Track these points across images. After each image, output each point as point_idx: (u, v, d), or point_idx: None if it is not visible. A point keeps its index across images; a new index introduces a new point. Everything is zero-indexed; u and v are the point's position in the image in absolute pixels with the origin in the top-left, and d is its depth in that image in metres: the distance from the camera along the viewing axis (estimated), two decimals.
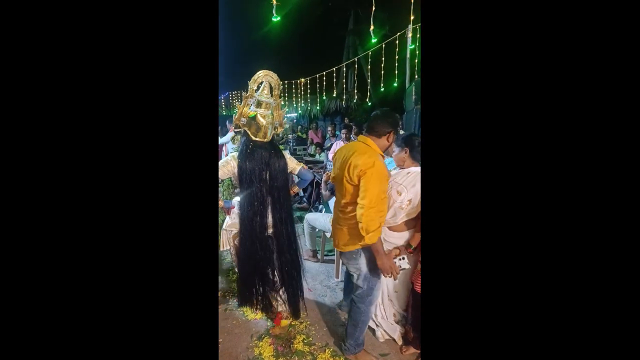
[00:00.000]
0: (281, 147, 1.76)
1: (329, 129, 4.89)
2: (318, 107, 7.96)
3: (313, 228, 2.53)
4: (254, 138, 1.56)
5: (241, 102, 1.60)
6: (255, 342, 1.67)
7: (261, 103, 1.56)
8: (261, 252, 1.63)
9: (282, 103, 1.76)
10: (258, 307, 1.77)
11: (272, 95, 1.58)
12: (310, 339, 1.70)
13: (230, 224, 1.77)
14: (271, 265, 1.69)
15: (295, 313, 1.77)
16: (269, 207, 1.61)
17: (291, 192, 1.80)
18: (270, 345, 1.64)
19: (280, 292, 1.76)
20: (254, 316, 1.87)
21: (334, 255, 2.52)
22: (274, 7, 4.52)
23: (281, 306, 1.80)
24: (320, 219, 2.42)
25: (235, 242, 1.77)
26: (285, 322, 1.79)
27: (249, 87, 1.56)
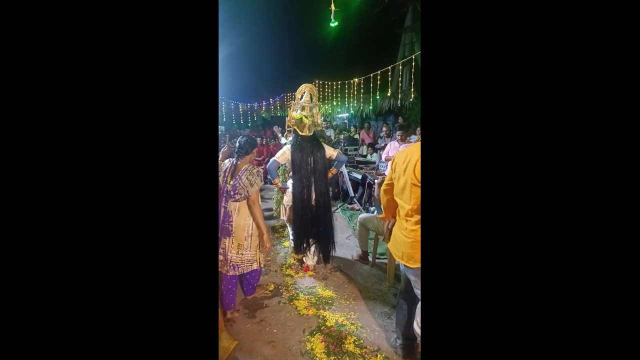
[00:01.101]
0: (320, 140, 2.35)
1: (384, 129, 4.76)
2: (371, 107, 7.83)
3: (365, 229, 2.49)
4: (300, 133, 2.12)
5: (291, 103, 2.22)
6: (307, 337, 1.71)
7: (304, 107, 2.11)
8: (307, 216, 2.17)
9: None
10: (307, 251, 2.35)
11: (311, 101, 2.14)
12: (362, 341, 1.68)
13: (286, 200, 2.36)
14: (312, 225, 2.20)
15: (325, 259, 2.30)
16: (312, 184, 2.14)
17: (330, 173, 2.30)
18: (321, 342, 1.66)
19: (312, 248, 2.34)
20: (307, 312, 1.92)
21: (385, 258, 2.46)
22: (332, 13, 4.53)
23: (310, 260, 2.38)
24: (373, 221, 2.37)
25: (288, 211, 2.36)
26: (310, 273, 2.40)
27: (296, 97, 2.19)
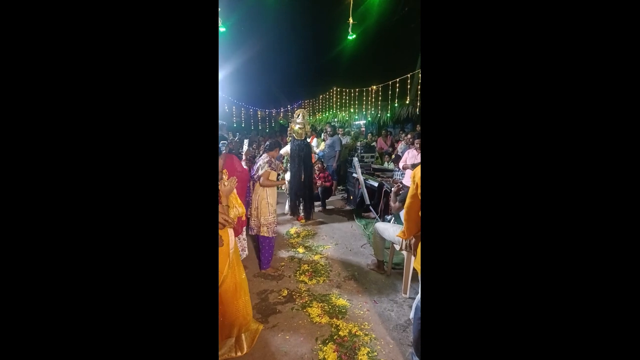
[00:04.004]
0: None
1: (409, 136, 4.76)
2: (389, 115, 7.78)
3: (381, 238, 2.45)
4: (297, 138, 3.57)
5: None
6: (320, 346, 1.68)
7: (299, 123, 3.56)
8: (299, 188, 3.65)
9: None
10: (296, 213, 3.84)
11: (304, 119, 3.59)
12: (375, 353, 1.63)
13: (288, 176, 3.83)
14: (301, 194, 3.71)
15: (307, 218, 3.80)
16: (302, 169, 3.58)
17: (316, 166, 4.19)
18: (334, 352, 1.63)
19: (301, 207, 3.79)
20: (320, 320, 1.90)
21: (401, 268, 2.40)
22: (350, 26, 4.61)
23: (301, 213, 3.80)
24: (389, 230, 2.33)
25: (287, 185, 3.88)
26: (302, 221, 3.78)
27: (294, 116, 3.68)
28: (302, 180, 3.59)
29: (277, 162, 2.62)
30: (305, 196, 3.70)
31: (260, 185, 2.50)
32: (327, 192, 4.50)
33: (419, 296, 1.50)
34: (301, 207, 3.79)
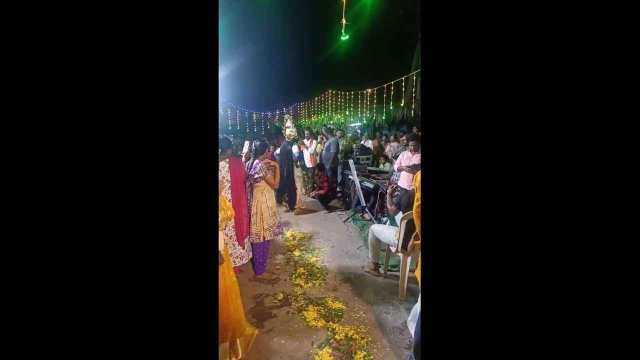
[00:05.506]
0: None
1: (403, 138, 4.81)
2: (384, 117, 7.81)
3: (377, 240, 2.44)
4: (287, 139, 4.19)
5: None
6: (316, 350, 1.67)
7: (289, 126, 4.15)
8: (284, 179, 4.17)
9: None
10: (285, 201, 4.48)
11: (292, 124, 4.18)
12: (372, 357, 1.62)
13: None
14: (285, 187, 4.32)
15: (291, 207, 4.46)
16: (284, 166, 4.15)
17: (296, 164, 4.68)
18: (330, 356, 1.62)
19: (287, 198, 4.44)
20: (315, 323, 1.88)
21: (398, 271, 2.40)
22: (343, 26, 4.69)
23: (286, 204, 4.51)
24: (385, 232, 2.32)
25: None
26: (284, 204, 4.45)
27: (284, 121, 4.26)
28: (285, 174, 4.23)
29: (270, 162, 2.52)
30: (288, 188, 4.40)
31: (272, 188, 2.50)
32: (329, 195, 4.67)
33: (419, 302, 1.49)
34: (286, 198, 4.49)
